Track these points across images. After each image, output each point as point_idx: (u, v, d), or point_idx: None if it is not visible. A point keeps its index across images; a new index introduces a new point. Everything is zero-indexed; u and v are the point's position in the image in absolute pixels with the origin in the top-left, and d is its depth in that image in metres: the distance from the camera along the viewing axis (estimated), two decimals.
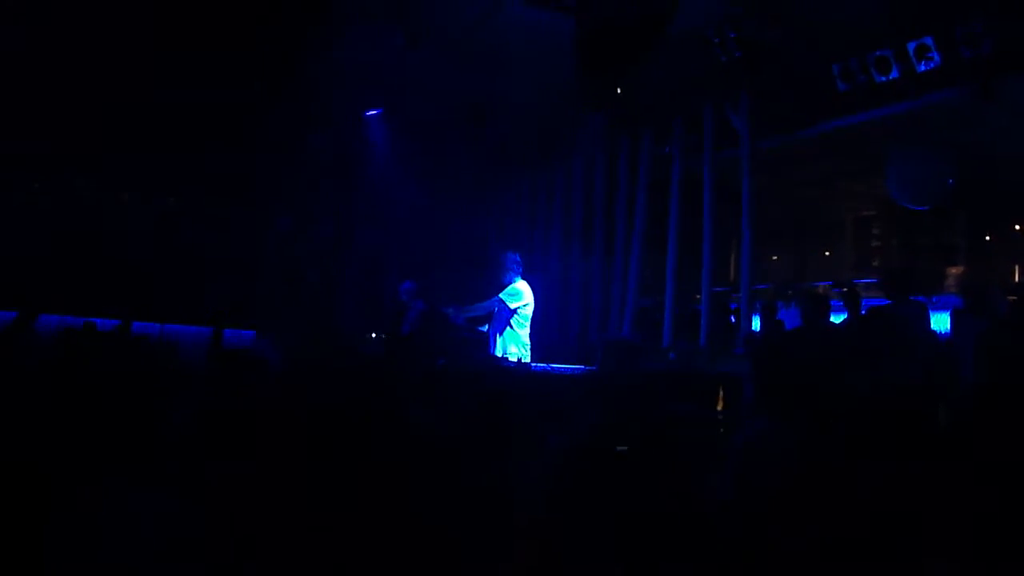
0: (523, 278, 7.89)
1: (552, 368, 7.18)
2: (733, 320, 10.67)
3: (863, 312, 8.29)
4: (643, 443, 3.47)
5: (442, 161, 13.47)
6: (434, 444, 3.52)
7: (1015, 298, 8.56)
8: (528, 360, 7.62)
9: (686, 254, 10.81)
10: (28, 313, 7.03)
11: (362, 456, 3.27)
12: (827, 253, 15.61)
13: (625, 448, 3.37)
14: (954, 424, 3.99)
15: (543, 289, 9.35)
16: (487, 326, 7.91)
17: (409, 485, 3.06)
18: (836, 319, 8.40)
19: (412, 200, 13.40)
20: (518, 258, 7.93)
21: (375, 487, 3.01)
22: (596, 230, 12.38)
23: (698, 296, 10.48)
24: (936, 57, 8.30)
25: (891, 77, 8.67)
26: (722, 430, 5.33)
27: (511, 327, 7.76)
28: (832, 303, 8.32)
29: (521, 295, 7.78)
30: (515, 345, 7.73)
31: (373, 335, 10.74)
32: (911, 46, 8.42)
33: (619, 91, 10.26)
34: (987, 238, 13.05)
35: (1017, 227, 12.75)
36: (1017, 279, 12.37)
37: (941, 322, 8.28)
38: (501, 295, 7.75)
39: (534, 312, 7.91)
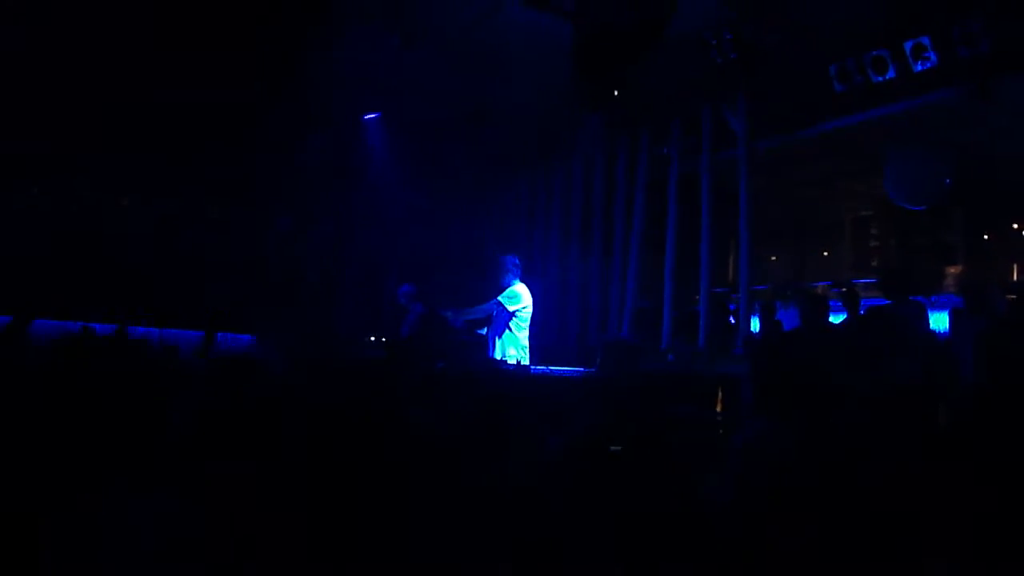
0: (522, 280, 7.90)
1: (551, 370, 7.18)
2: (732, 321, 10.67)
3: (862, 312, 8.30)
4: (642, 444, 3.48)
5: (441, 163, 13.47)
6: (433, 446, 3.52)
7: (1014, 297, 8.57)
8: (527, 362, 7.62)
9: (684, 255, 10.81)
10: (22, 318, 7.02)
11: (361, 458, 3.27)
12: (826, 253, 15.61)
13: (619, 448, 3.37)
14: (953, 424, 3.99)
15: (542, 291, 9.35)
16: (486, 329, 7.92)
17: (408, 487, 3.06)
18: (835, 319, 8.40)
19: (411, 202, 13.40)
20: (516, 260, 7.94)
21: (374, 488, 3.01)
22: (595, 231, 12.38)
23: (697, 297, 10.47)
24: (933, 57, 8.30)
25: (888, 77, 8.67)
26: (721, 431, 5.34)
27: (510, 330, 7.77)
28: (831, 303, 8.32)
29: (520, 297, 7.78)
30: (514, 347, 7.74)
31: (372, 338, 10.74)
32: (908, 46, 8.42)
33: (617, 93, 10.27)
34: (985, 237, 13.05)
35: (1015, 226, 12.75)
36: (1015, 278, 12.37)
37: (940, 322, 8.29)
38: (500, 298, 7.75)
39: (533, 314, 7.92)
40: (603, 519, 2.82)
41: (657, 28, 8.51)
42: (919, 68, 8.43)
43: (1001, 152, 10.31)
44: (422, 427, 3.77)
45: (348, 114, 12.91)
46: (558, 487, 3.15)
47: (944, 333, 8.16)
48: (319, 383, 4.79)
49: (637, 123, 11.56)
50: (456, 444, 3.63)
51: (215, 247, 13.76)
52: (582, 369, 7.31)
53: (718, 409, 6.73)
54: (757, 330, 9.70)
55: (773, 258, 15.90)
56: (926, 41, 8.32)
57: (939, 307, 8.52)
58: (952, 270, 12.87)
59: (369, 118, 13.08)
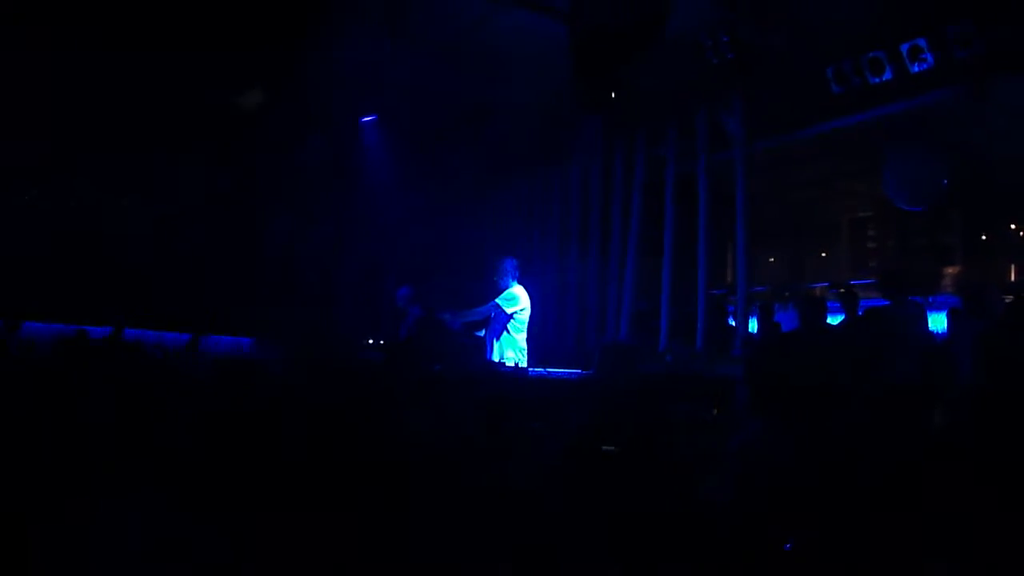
0: (519, 283, 7.91)
1: (549, 372, 7.19)
2: (730, 323, 10.67)
3: (860, 313, 8.31)
4: (641, 446, 3.47)
5: (439, 165, 13.47)
6: (432, 448, 3.52)
7: (1012, 297, 8.57)
8: (525, 365, 7.63)
9: (682, 257, 10.81)
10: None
11: (360, 459, 3.27)
12: (823, 254, 15.62)
13: (612, 448, 3.37)
14: (951, 425, 3.99)
15: (540, 293, 9.35)
16: (484, 331, 7.92)
17: (408, 488, 3.06)
18: (833, 320, 8.41)
19: (409, 204, 13.40)
20: (514, 263, 7.95)
21: (374, 489, 3.01)
22: (592, 233, 12.38)
23: (694, 299, 10.47)
24: (929, 58, 8.30)
25: (885, 78, 8.68)
26: (719, 433, 5.33)
27: (508, 332, 7.78)
28: (828, 304, 8.33)
29: (517, 300, 7.79)
30: (512, 350, 7.74)
31: (370, 340, 10.74)
32: (904, 47, 8.43)
33: (613, 95, 10.27)
34: (983, 238, 13.06)
35: (1013, 227, 12.77)
36: (1013, 278, 12.38)
37: (938, 322, 8.29)
38: (497, 300, 7.76)
39: (531, 316, 7.93)
40: (602, 520, 2.82)
41: (653, 30, 8.51)
42: (916, 69, 8.43)
43: (998, 153, 10.31)
44: (420, 429, 3.77)
45: (347, 115, 12.91)
46: (556, 488, 3.15)
47: (942, 334, 8.16)
48: (318, 385, 4.79)
49: (634, 125, 11.55)
50: (454, 446, 3.63)
51: (213, 248, 13.75)
52: (580, 371, 7.31)
53: (716, 411, 6.72)
54: (755, 332, 9.70)
55: (771, 259, 15.91)
56: (922, 43, 8.33)
57: (937, 308, 8.53)
58: (950, 271, 12.88)
59: (367, 120, 13.08)
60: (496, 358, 7.67)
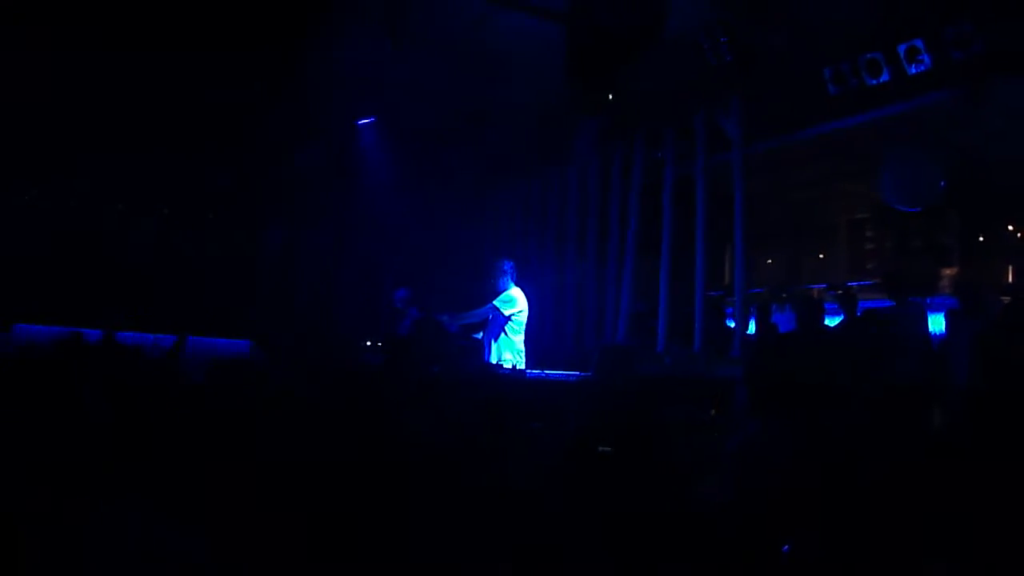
0: (517, 284, 7.91)
1: (547, 374, 7.19)
2: (728, 324, 10.67)
3: (859, 314, 8.32)
4: (639, 447, 3.47)
5: (437, 167, 13.48)
6: (431, 449, 3.52)
7: (1008, 299, 8.58)
8: (523, 367, 7.63)
9: (680, 258, 10.80)
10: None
11: (359, 461, 3.26)
12: (821, 256, 15.61)
13: (607, 448, 3.37)
14: (949, 425, 3.99)
15: (538, 295, 9.34)
16: (482, 333, 7.93)
17: (407, 489, 3.06)
18: (830, 322, 8.42)
19: (408, 206, 13.40)
20: (512, 265, 7.96)
21: (373, 491, 3.01)
22: (590, 235, 12.38)
23: (692, 300, 10.47)
24: (927, 60, 8.31)
25: (882, 80, 8.68)
26: (717, 434, 5.33)
27: (505, 334, 7.79)
28: (826, 306, 8.33)
29: (515, 302, 7.80)
30: (510, 352, 7.75)
31: (368, 342, 10.73)
32: (901, 49, 8.43)
33: (611, 97, 10.27)
34: (980, 239, 13.06)
35: (1010, 227, 12.77)
36: (1010, 279, 12.38)
37: (936, 323, 8.30)
38: (495, 302, 7.77)
39: (528, 318, 7.93)
40: (600, 521, 2.82)
41: (651, 32, 8.51)
42: (913, 71, 8.44)
43: (996, 154, 10.32)
44: (419, 430, 3.76)
45: (345, 118, 12.91)
46: (555, 489, 3.15)
47: (940, 335, 8.17)
48: (316, 387, 4.79)
49: (632, 126, 11.56)
50: (453, 447, 3.63)
51: (212, 251, 13.75)
52: (578, 373, 7.31)
53: (714, 412, 6.72)
54: (753, 333, 9.70)
55: (769, 261, 15.90)
56: (920, 44, 8.33)
57: (934, 309, 8.53)
58: (947, 272, 12.88)
59: (364, 123, 13.08)
60: (494, 360, 7.68)
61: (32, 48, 10.11)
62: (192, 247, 13.91)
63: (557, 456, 3.52)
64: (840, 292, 9.29)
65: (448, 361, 6.68)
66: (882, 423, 3.86)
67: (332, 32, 10.19)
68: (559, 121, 11.67)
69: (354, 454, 3.37)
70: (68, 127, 11.27)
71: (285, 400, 4.24)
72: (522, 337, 7.88)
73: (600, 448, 3.44)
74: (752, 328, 9.72)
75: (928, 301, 8.79)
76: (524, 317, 7.87)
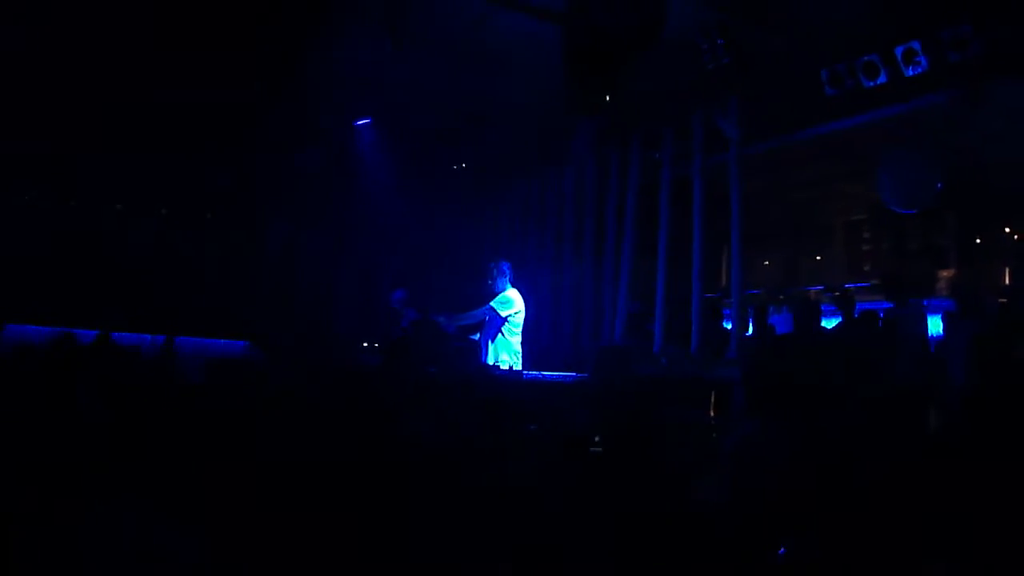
0: (514, 286, 7.92)
1: (544, 375, 7.19)
2: (724, 325, 10.67)
3: (856, 315, 8.33)
4: (636, 447, 3.47)
5: (435, 168, 13.48)
6: (428, 450, 3.51)
7: (1005, 300, 8.60)
8: (519, 368, 7.63)
9: (677, 260, 10.80)
10: None
11: (357, 461, 3.26)
12: (818, 257, 15.62)
13: (600, 449, 3.36)
14: (946, 426, 3.99)
15: (535, 296, 9.34)
16: (479, 334, 7.93)
17: (404, 489, 3.05)
18: (827, 323, 8.42)
19: (406, 207, 13.40)
20: (509, 266, 7.96)
21: (371, 490, 3.01)
22: (587, 236, 12.38)
23: (689, 301, 10.47)
24: (924, 61, 8.32)
25: (879, 82, 8.69)
26: (714, 434, 5.34)
27: (502, 335, 7.79)
28: (823, 307, 8.34)
29: (512, 303, 7.80)
30: (506, 353, 7.75)
31: (366, 343, 10.73)
32: (899, 51, 8.44)
33: (608, 98, 10.27)
34: (977, 241, 13.08)
35: (1007, 230, 12.79)
36: (1007, 281, 12.40)
37: (933, 325, 8.31)
38: (492, 303, 7.77)
39: (525, 319, 7.93)
40: (599, 521, 2.82)
41: (649, 32, 8.51)
42: (910, 73, 8.45)
43: (993, 156, 10.34)
44: (417, 431, 3.76)
45: (343, 118, 12.91)
46: (553, 490, 3.15)
47: (937, 336, 8.18)
48: (315, 387, 4.79)
49: (629, 127, 11.56)
50: (451, 448, 3.63)
51: (211, 251, 13.75)
52: (575, 374, 7.31)
53: (711, 412, 6.73)
54: (750, 334, 9.70)
55: (766, 262, 15.91)
56: (917, 46, 8.34)
57: (932, 311, 8.54)
58: (944, 273, 12.90)
59: (363, 123, 13.07)
60: (491, 361, 7.68)
61: (31, 48, 10.10)
62: (191, 247, 13.91)
63: (554, 457, 3.52)
64: (837, 293, 9.29)
65: (445, 362, 6.68)
66: (880, 424, 3.86)
67: (331, 32, 10.19)
68: (557, 122, 11.66)
69: (352, 454, 3.36)
70: (67, 127, 11.26)
71: (283, 400, 4.24)
72: (519, 338, 7.88)
73: (591, 448, 3.44)
74: (749, 329, 9.73)
75: (925, 303, 8.80)
76: (521, 318, 7.87)
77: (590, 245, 12.32)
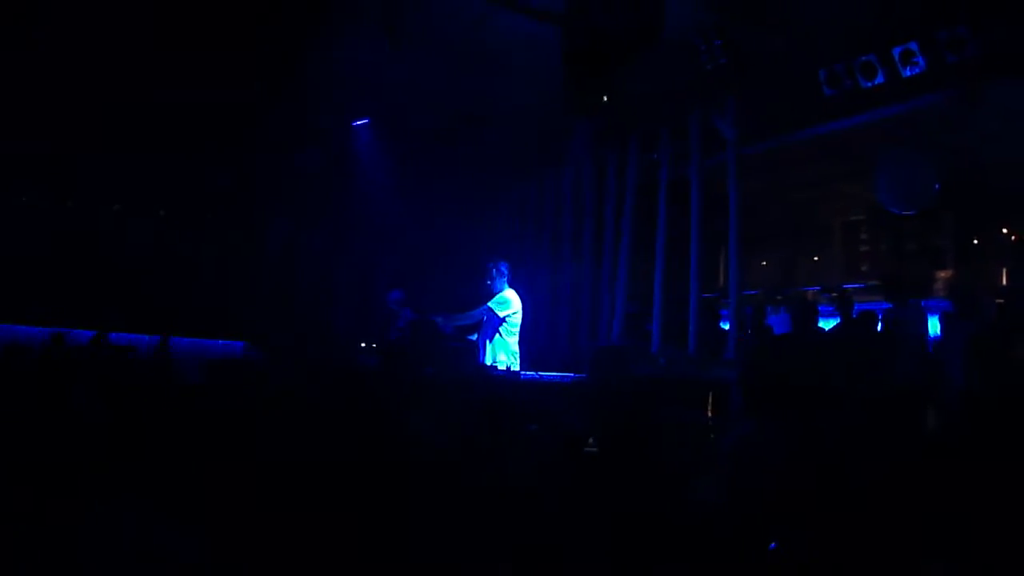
0: (511, 286, 7.91)
1: (541, 376, 7.18)
2: (722, 326, 10.68)
3: (855, 316, 8.33)
4: (634, 448, 3.47)
5: (433, 169, 13.48)
6: (425, 450, 3.51)
7: (1002, 301, 8.60)
8: (517, 368, 7.62)
9: (675, 260, 10.80)
10: None
11: (353, 460, 3.26)
12: (816, 258, 15.63)
13: (595, 449, 3.36)
14: (944, 426, 4.00)
15: (532, 297, 9.34)
16: (476, 334, 7.92)
17: (400, 489, 3.05)
18: (824, 324, 8.43)
19: (404, 208, 13.40)
20: (506, 266, 7.95)
21: (368, 490, 3.00)
22: (585, 237, 12.39)
23: (687, 302, 10.47)
24: (921, 62, 8.32)
25: (877, 82, 8.70)
26: (711, 435, 5.33)
27: (500, 335, 7.78)
28: (821, 308, 8.35)
29: (509, 303, 7.79)
30: (504, 353, 7.74)
31: (363, 344, 10.73)
32: (896, 51, 8.45)
33: (606, 99, 10.27)
34: (975, 241, 13.09)
35: (1004, 230, 12.80)
36: (1005, 282, 12.41)
37: (931, 325, 8.32)
38: (490, 303, 7.77)
39: (523, 320, 7.92)
40: (596, 521, 2.82)
41: (647, 33, 8.51)
42: (908, 73, 8.45)
43: (990, 156, 10.35)
44: (414, 431, 3.76)
45: (342, 119, 12.91)
46: (551, 490, 3.15)
47: (935, 337, 8.19)
48: (313, 387, 4.79)
49: (627, 128, 11.56)
50: (448, 448, 3.62)
51: (209, 251, 13.74)
52: (572, 375, 7.31)
53: (709, 413, 6.73)
54: (747, 335, 9.70)
55: (763, 263, 15.91)
56: (914, 46, 8.35)
57: (929, 311, 8.55)
58: (942, 274, 12.90)
59: (361, 124, 13.07)
60: (488, 361, 7.67)
61: (30, 48, 10.09)
62: (189, 248, 13.90)
63: (552, 457, 3.52)
64: (835, 294, 9.30)
65: (442, 362, 6.68)
66: (878, 424, 3.86)
67: (330, 32, 10.19)
68: (555, 122, 11.66)
69: (350, 455, 3.36)
70: (65, 127, 11.25)
71: (281, 400, 4.23)
72: (517, 339, 7.87)
73: (586, 448, 3.44)
74: (747, 330, 9.73)
75: (922, 304, 8.81)
76: (519, 319, 7.86)
77: (588, 245, 12.33)
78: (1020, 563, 2.50)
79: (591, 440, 3.49)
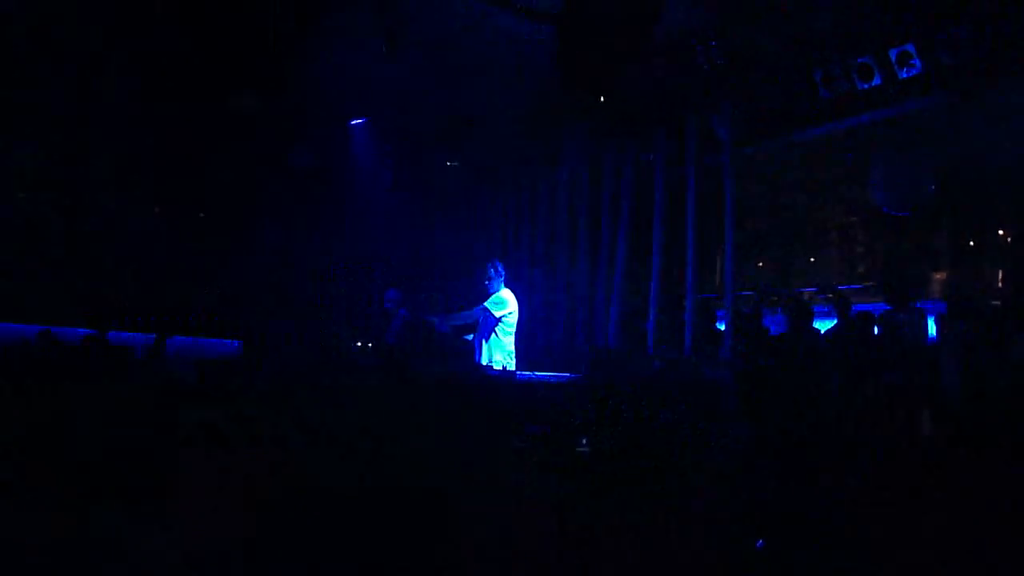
0: (507, 286, 7.92)
1: (537, 376, 7.18)
2: (718, 326, 10.68)
3: (852, 317, 8.34)
4: (630, 448, 3.47)
5: (428, 169, 13.47)
6: (423, 450, 3.51)
7: (998, 303, 8.61)
8: (513, 368, 7.63)
9: (670, 261, 10.81)
10: None
11: (348, 461, 3.25)
12: (812, 259, 15.61)
13: (586, 449, 3.36)
14: (938, 427, 3.99)
15: (528, 297, 9.34)
16: (472, 335, 7.92)
17: (397, 490, 3.05)
18: (820, 325, 8.44)
19: (398, 208, 13.39)
20: (502, 266, 7.96)
21: (364, 491, 3.00)
22: (580, 237, 12.38)
23: (683, 302, 10.47)
24: (918, 64, 8.34)
25: (873, 84, 8.71)
26: (707, 436, 5.32)
27: (496, 335, 7.79)
28: (816, 308, 8.35)
29: (505, 303, 7.80)
30: (500, 353, 7.75)
31: (358, 343, 10.72)
32: (893, 53, 8.46)
33: (602, 100, 10.27)
34: (971, 243, 13.09)
35: (1001, 232, 12.80)
36: (1001, 284, 12.42)
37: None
38: (486, 303, 7.78)
39: (519, 320, 7.93)
40: (594, 522, 2.82)
41: (643, 34, 8.51)
42: (904, 75, 8.47)
43: (986, 158, 10.35)
44: (409, 431, 3.75)
45: (337, 119, 12.90)
46: (547, 490, 3.15)
47: (931, 339, 8.19)
48: (307, 387, 4.78)
49: (623, 129, 11.56)
50: (445, 448, 3.62)
51: (203, 251, 13.71)
52: (568, 375, 7.31)
53: (704, 414, 6.71)
54: (743, 335, 9.70)
55: (759, 264, 15.90)
56: (911, 48, 8.36)
57: (926, 313, 8.56)
58: (938, 276, 12.90)
59: (356, 123, 13.07)
60: (484, 361, 7.67)
61: (28, 47, 10.08)
62: (183, 247, 13.87)
63: (547, 457, 3.52)
64: (832, 295, 9.32)
65: (438, 362, 6.67)
66: (874, 425, 3.86)
67: (325, 34, 10.18)
68: (550, 123, 11.67)
69: (345, 454, 3.36)
70: (62, 126, 11.23)
71: (276, 400, 4.23)
72: (512, 339, 7.88)
73: (578, 449, 3.44)
74: (743, 331, 9.73)
75: (919, 304, 8.82)
76: (514, 319, 7.87)
77: (584, 246, 12.32)
78: (1018, 562, 2.50)
79: (584, 441, 3.48)
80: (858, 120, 9.42)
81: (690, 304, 10.35)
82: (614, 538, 2.77)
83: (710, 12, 9.22)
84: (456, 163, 13.34)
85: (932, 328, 8.09)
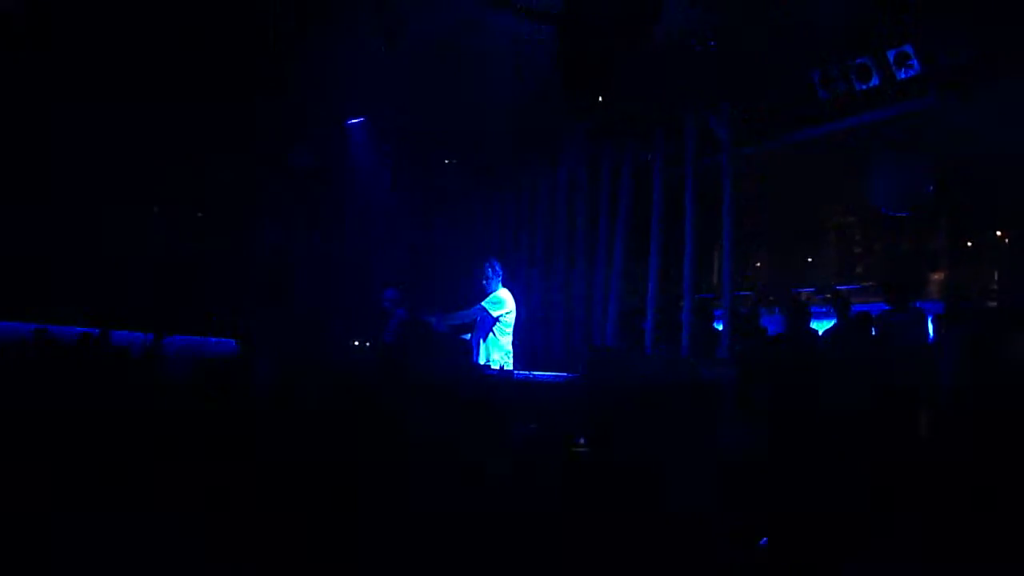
0: (505, 286, 7.92)
1: (534, 375, 7.19)
2: (716, 326, 10.69)
3: (850, 317, 8.34)
4: (627, 448, 3.47)
5: (427, 168, 13.47)
6: (420, 449, 3.51)
7: (996, 304, 8.62)
8: (511, 367, 7.63)
9: (669, 261, 10.83)
10: None
11: (350, 460, 3.26)
12: (809, 259, 15.62)
13: (583, 448, 3.36)
14: (936, 428, 4.00)
15: (526, 296, 9.35)
16: (470, 334, 7.92)
17: (396, 489, 3.05)
18: (817, 325, 8.44)
19: (397, 207, 13.39)
20: (500, 266, 7.96)
21: (362, 489, 3.00)
22: (579, 237, 12.38)
23: (681, 302, 10.48)
24: (916, 64, 8.34)
25: (871, 84, 8.72)
26: (704, 435, 5.32)
27: (494, 334, 7.79)
28: (814, 309, 8.35)
29: (503, 303, 7.80)
30: (498, 352, 7.75)
31: (356, 343, 10.72)
32: (891, 54, 8.47)
33: (601, 99, 10.28)
34: (969, 243, 13.09)
35: (998, 233, 12.80)
36: (998, 285, 12.42)
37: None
38: (484, 303, 7.78)
39: (517, 319, 7.93)
40: (591, 521, 2.82)
41: (642, 34, 8.51)
42: (902, 75, 8.48)
43: (984, 158, 10.35)
44: (407, 431, 3.76)
45: (337, 118, 12.90)
46: (544, 490, 3.15)
47: (930, 339, 8.20)
48: (306, 386, 4.78)
49: (621, 129, 11.57)
50: (442, 447, 3.62)
51: (202, 250, 13.71)
52: (566, 374, 7.32)
53: (702, 414, 6.72)
54: (741, 335, 9.71)
55: (757, 264, 15.90)
56: (909, 49, 8.37)
57: (924, 313, 8.57)
58: (935, 276, 12.91)
59: (355, 123, 13.07)
60: (482, 360, 7.68)
61: (27, 47, 10.08)
62: (182, 246, 13.86)
63: (543, 456, 3.52)
64: (831, 295, 9.32)
65: (435, 361, 6.67)
66: (873, 426, 3.87)
67: (325, 34, 10.19)
68: (550, 122, 11.67)
69: (343, 454, 3.36)
70: (59, 125, 11.22)
71: (274, 399, 4.23)
72: (510, 338, 7.88)
73: (575, 448, 3.44)
74: (741, 330, 9.74)
75: (917, 305, 8.83)
76: (512, 318, 7.87)
77: (582, 245, 12.33)
78: (1018, 562, 2.51)
79: (581, 440, 3.49)
80: (857, 120, 9.42)
81: (688, 304, 10.36)
82: (610, 539, 2.78)
83: (710, 12, 9.22)
84: (455, 163, 13.34)
85: (929, 328, 8.10)
